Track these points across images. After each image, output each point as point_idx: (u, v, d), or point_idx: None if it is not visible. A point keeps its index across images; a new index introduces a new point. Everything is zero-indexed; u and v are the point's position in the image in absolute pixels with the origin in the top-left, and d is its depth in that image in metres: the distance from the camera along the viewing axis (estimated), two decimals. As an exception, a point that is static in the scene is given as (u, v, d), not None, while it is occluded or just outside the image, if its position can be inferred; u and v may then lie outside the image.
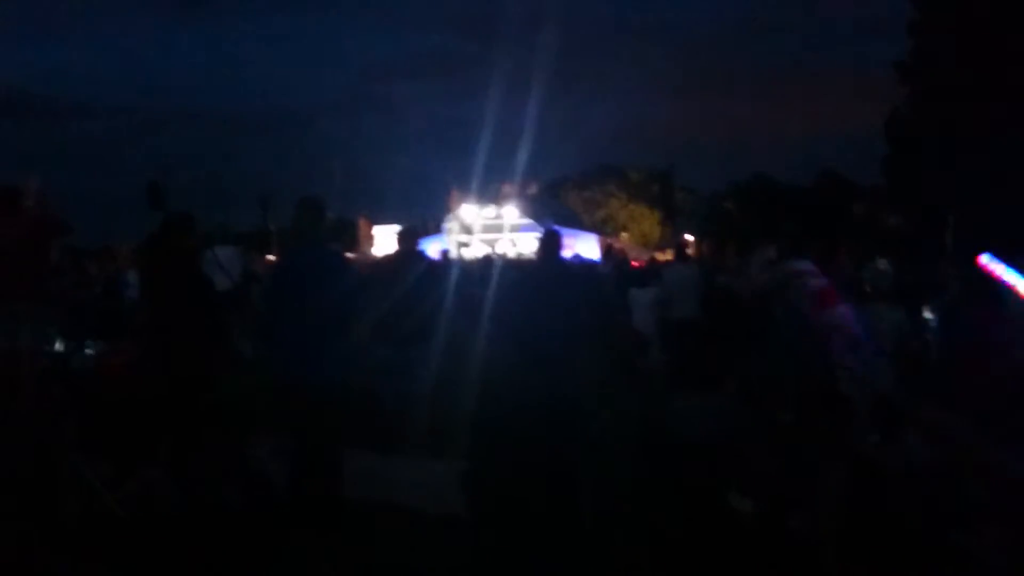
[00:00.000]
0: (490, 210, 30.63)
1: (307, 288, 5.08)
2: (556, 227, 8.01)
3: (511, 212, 30.24)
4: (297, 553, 4.78)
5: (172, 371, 5.68)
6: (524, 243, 23.42)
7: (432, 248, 15.98)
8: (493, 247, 24.27)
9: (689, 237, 36.43)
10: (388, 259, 9.67)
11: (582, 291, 6.77)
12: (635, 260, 23.12)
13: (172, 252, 6.00)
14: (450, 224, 30.81)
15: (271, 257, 16.66)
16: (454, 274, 8.74)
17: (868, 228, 37.05)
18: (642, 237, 53.40)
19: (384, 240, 26.55)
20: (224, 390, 6.17)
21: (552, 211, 36.63)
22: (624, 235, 50.26)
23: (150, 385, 5.76)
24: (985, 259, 5.69)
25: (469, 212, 30.73)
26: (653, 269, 15.09)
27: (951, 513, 4.99)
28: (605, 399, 6.84)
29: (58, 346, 7.56)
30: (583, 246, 28.55)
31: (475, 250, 22.73)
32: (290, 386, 5.08)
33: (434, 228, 31.50)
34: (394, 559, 4.89)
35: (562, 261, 7.16)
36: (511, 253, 21.68)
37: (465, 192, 34.32)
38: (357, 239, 30.33)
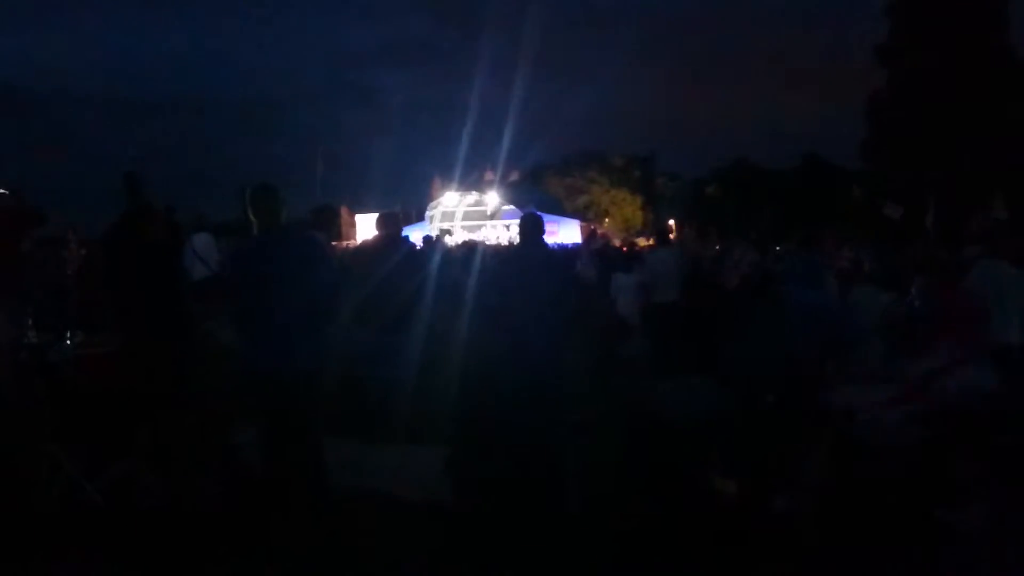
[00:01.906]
0: (472, 197, 30.63)
1: (289, 274, 5.01)
2: (537, 212, 7.95)
3: (493, 199, 30.25)
4: (279, 542, 4.75)
5: (141, 361, 5.64)
6: (506, 229, 23.43)
7: (415, 236, 15.93)
8: (475, 234, 24.26)
9: (671, 222, 36.52)
10: (369, 244, 9.62)
11: (562, 275, 6.75)
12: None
13: (135, 241, 5.93)
14: (432, 211, 30.79)
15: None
16: (436, 260, 8.69)
17: (850, 211, 37.14)
18: (624, 222, 53.52)
19: (366, 228, 26.45)
20: (202, 380, 6.12)
21: (534, 197, 36.61)
22: (607, 221, 50.35)
23: (127, 375, 5.70)
24: None
25: (451, 199, 30.70)
26: (636, 254, 15.09)
27: (935, 490, 5.00)
28: (588, 383, 6.85)
29: (34, 337, 7.48)
30: (565, 232, 28.63)
31: (457, 237, 22.71)
32: (267, 375, 5.03)
33: (416, 216, 31.47)
34: (378, 546, 4.86)
35: (543, 245, 7.11)
36: (493, 239, 21.67)
37: (447, 180, 34.33)
38: (339, 228, 30.21)
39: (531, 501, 5.34)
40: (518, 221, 7.35)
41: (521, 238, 7.07)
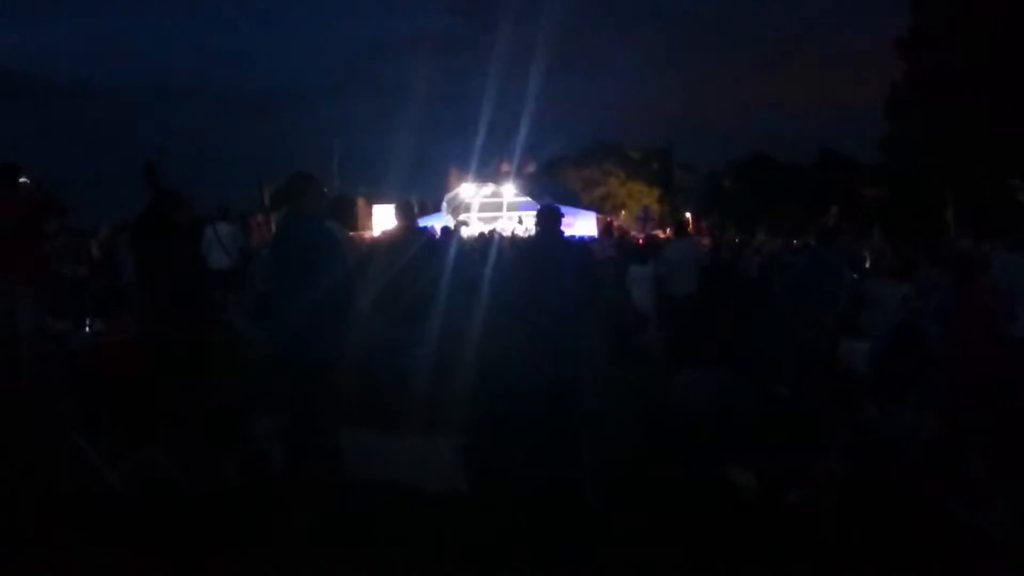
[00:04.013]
0: (488, 188, 30.60)
1: (304, 265, 5.04)
2: (555, 204, 7.95)
3: (509, 190, 30.21)
4: (295, 530, 4.78)
5: (161, 348, 5.68)
6: (520, 222, 23.42)
7: (434, 224, 15.95)
8: (491, 225, 24.26)
9: (688, 215, 36.43)
10: (388, 234, 9.63)
11: (578, 267, 6.75)
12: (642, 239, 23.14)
13: (162, 230, 5.97)
14: (449, 203, 30.79)
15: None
16: (453, 251, 8.69)
17: (866, 203, 36.92)
18: (641, 215, 53.25)
19: (383, 219, 26.46)
20: (221, 368, 6.15)
21: (550, 189, 36.57)
22: (623, 213, 50.23)
23: (148, 363, 5.74)
24: None
25: (467, 191, 30.69)
26: (654, 245, 15.06)
27: (952, 485, 4.99)
28: (604, 374, 6.84)
29: (57, 324, 7.56)
30: (581, 224, 28.57)
31: (473, 228, 22.72)
32: (286, 363, 5.06)
33: (433, 207, 31.49)
34: (394, 536, 4.89)
35: (561, 236, 7.12)
36: (510, 231, 21.66)
37: (463, 171, 34.31)
38: (356, 218, 30.28)
39: (547, 492, 5.35)
40: (535, 213, 7.35)
41: (538, 229, 7.08)
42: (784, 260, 13.09)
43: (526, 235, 17.54)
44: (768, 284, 11.84)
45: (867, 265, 13.51)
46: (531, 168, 45.57)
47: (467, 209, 29.45)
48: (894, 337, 6.75)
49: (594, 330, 6.63)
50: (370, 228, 28.90)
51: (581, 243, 16.89)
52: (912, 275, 9.55)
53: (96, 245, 13.82)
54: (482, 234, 19.14)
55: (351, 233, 16.18)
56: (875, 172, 41.28)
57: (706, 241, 17.98)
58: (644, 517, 5.10)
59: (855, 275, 10.96)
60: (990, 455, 5.29)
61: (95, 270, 12.79)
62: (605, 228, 23.77)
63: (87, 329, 6.83)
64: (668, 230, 23.06)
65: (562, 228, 7.05)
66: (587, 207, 39.14)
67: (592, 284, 7.03)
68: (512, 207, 28.51)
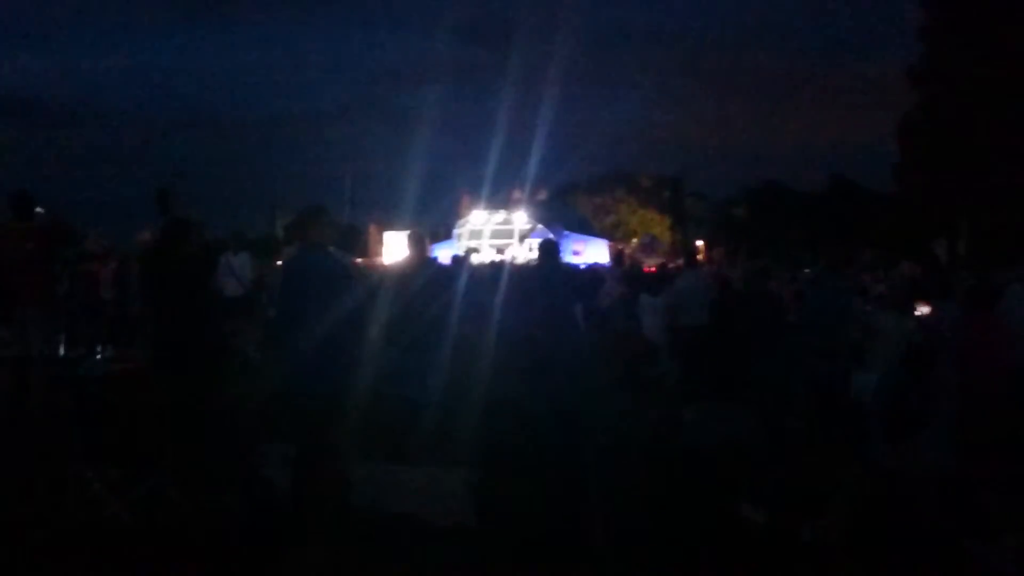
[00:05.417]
0: (500, 215, 30.62)
1: (314, 296, 5.06)
2: (561, 232, 8.16)
3: (521, 217, 30.21)
4: (302, 561, 4.76)
5: (176, 377, 5.68)
6: (529, 250, 23.43)
7: (443, 254, 15.97)
8: (503, 252, 24.26)
9: (699, 243, 36.39)
10: (399, 264, 9.67)
11: (580, 295, 6.82)
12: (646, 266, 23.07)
13: (172, 258, 6.01)
14: (460, 230, 30.82)
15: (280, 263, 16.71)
16: (463, 280, 8.70)
17: (880, 234, 36.82)
18: (652, 243, 53.27)
19: (395, 246, 26.51)
20: (231, 397, 6.16)
21: (562, 216, 36.55)
22: (634, 241, 50.22)
23: (157, 391, 5.75)
24: None
25: (479, 218, 30.72)
26: (666, 275, 15.02)
27: (965, 521, 4.94)
28: (612, 406, 6.82)
29: (65, 351, 7.59)
30: (593, 251, 28.56)
31: (484, 255, 22.71)
32: (294, 392, 5.07)
33: (444, 234, 31.52)
34: (401, 568, 4.85)
35: (559, 268, 7.23)
36: (521, 258, 21.65)
37: (475, 198, 34.35)
38: (367, 245, 30.33)
39: (556, 526, 5.31)
40: (537, 245, 7.56)
41: (539, 261, 7.25)
42: (796, 290, 13.03)
43: (527, 263, 17.55)
44: (780, 315, 11.78)
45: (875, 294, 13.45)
46: (543, 195, 45.59)
47: (478, 236, 29.47)
48: (899, 370, 6.69)
49: (602, 361, 6.62)
50: (381, 255, 28.96)
51: (588, 271, 16.89)
52: (918, 305, 9.52)
53: (107, 272, 13.88)
54: (492, 262, 19.13)
55: (362, 260, 16.24)
56: (887, 201, 41.15)
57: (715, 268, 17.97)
58: (653, 552, 5.05)
59: (867, 307, 10.91)
60: (1002, 489, 5.24)
61: (108, 297, 12.84)
62: (616, 256, 23.75)
63: (98, 356, 6.85)
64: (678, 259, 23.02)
65: (561, 258, 7.20)
66: (599, 234, 39.14)
67: (583, 294, 7.12)
68: (524, 234, 28.53)
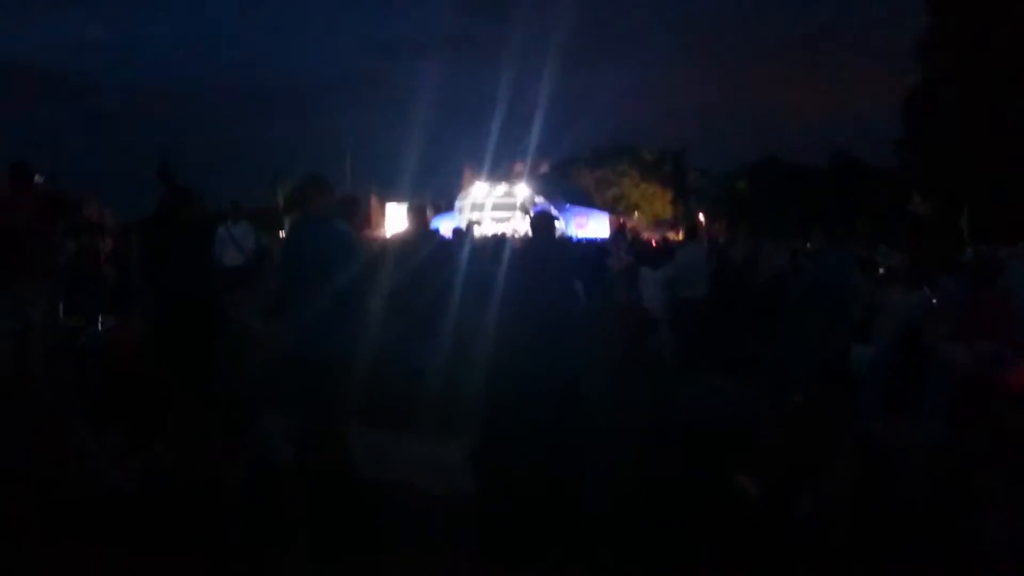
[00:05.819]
0: (502, 188, 30.57)
1: (315, 265, 5.06)
2: (562, 205, 8.15)
3: (523, 190, 30.16)
4: (303, 530, 4.79)
5: (176, 347, 5.68)
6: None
7: (445, 227, 15.94)
8: (503, 225, 24.23)
9: (701, 216, 36.34)
10: (400, 235, 9.64)
11: (578, 270, 6.83)
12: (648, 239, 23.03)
13: (171, 226, 5.99)
14: (462, 202, 30.77)
15: (283, 234, 16.68)
16: (465, 252, 8.69)
17: (882, 209, 36.74)
18: (654, 216, 53.30)
19: (395, 218, 26.45)
20: (231, 366, 6.16)
21: (564, 190, 36.49)
22: (636, 214, 50.17)
23: (156, 361, 5.76)
24: None
25: (481, 190, 30.67)
26: (667, 249, 15.00)
27: (960, 495, 4.96)
28: (611, 379, 6.82)
29: (65, 321, 7.58)
30: (595, 224, 28.53)
31: (486, 228, 22.67)
32: (296, 361, 5.08)
33: (446, 206, 31.47)
34: (400, 537, 4.88)
35: (555, 242, 7.24)
36: (522, 232, 21.62)
37: (477, 170, 34.28)
38: (368, 216, 30.23)
39: (553, 497, 5.34)
40: (531, 218, 7.56)
41: (534, 234, 7.23)
42: (796, 264, 13.02)
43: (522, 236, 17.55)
44: (781, 289, 11.78)
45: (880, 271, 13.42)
46: (545, 168, 45.49)
47: (480, 209, 29.42)
48: (900, 344, 6.69)
49: (601, 333, 6.63)
50: (382, 227, 28.89)
51: (588, 245, 16.84)
52: (926, 282, 9.48)
53: (108, 241, 13.86)
54: (494, 235, 19.11)
55: (363, 231, 16.19)
56: (888, 176, 41.03)
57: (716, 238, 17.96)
58: (650, 524, 5.08)
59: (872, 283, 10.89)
60: (997, 463, 5.26)
61: (108, 267, 12.82)
62: (618, 229, 23.72)
63: (99, 326, 6.86)
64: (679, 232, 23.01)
65: (555, 232, 7.19)
66: (601, 208, 39.08)
67: (600, 287, 7.10)
68: (525, 207, 28.49)
